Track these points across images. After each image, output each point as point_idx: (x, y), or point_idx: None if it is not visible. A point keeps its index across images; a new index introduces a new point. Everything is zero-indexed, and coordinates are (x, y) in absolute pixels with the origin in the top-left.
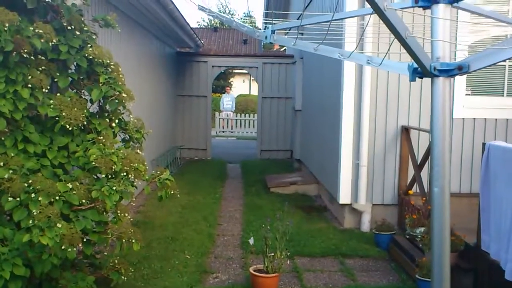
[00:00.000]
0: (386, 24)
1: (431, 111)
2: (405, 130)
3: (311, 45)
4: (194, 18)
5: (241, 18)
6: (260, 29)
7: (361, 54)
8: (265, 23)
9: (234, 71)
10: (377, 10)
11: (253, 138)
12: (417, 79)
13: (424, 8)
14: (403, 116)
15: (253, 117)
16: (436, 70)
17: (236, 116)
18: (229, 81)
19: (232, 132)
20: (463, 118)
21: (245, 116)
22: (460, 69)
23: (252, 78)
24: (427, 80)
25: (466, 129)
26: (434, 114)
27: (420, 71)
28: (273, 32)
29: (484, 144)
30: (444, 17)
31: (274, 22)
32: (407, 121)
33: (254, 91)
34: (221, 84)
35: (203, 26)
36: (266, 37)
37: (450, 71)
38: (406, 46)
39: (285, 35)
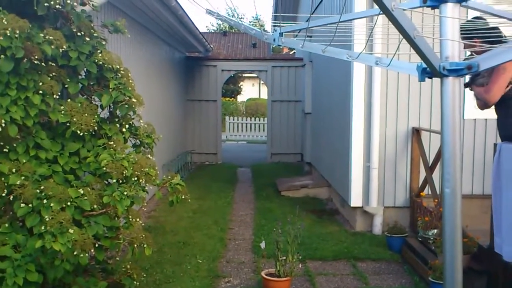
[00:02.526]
0: (394, 24)
1: (441, 112)
2: (416, 132)
3: (319, 46)
4: (203, 23)
5: (250, 22)
6: (269, 32)
7: (369, 55)
8: (274, 26)
9: (243, 75)
10: (385, 10)
11: (264, 142)
12: (427, 79)
13: (433, 7)
14: (414, 118)
15: (263, 120)
16: (446, 70)
17: (246, 120)
18: (239, 85)
19: (242, 136)
20: (475, 119)
21: (255, 120)
22: (470, 68)
23: (261, 82)
24: (437, 81)
25: (477, 130)
26: (444, 115)
27: (429, 71)
28: (281, 34)
29: (495, 145)
30: (453, 16)
31: (282, 24)
32: (417, 122)
33: (264, 94)
34: (231, 88)
35: (213, 31)
36: (274, 40)
37: (460, 71)
38: (414, 46)
39: (295, 37)
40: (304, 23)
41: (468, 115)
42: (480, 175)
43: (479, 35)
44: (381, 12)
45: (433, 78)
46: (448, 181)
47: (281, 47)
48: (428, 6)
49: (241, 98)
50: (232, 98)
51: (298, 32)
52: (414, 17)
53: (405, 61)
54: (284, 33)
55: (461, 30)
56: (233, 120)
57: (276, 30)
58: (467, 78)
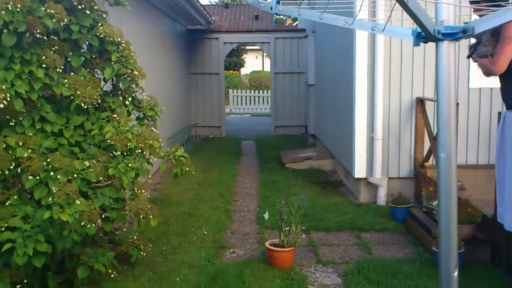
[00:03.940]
0: None
1: (436, 76)
2: (420, 102)
3: (316, 14)
4: None
5: None
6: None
7: (366, 21)
8: None
9: (246, 47)
10: None
11: (267, 114)
12: (429, 47)
13: None
14: (418, 87)
15: (267, 93)
16: (440, 34)
17: (250, 93)
18: (242, 58)
19: (245, 109)
20: (480, 88)
21: (258, 93)
22: (465, 32)
23: (265, 55)
24: None
25: (483, 99)
26: (439, 79)
27: (424, 35)
28: (278, 2)
29: (499, 113)
30: None
31: None
32: (422, 92)
33: (268, 67)
34: (234, 61)
35: (214, 3)
36: (271, 8)
37: (455, 35)
38: (408, 10)
39: (299, 6)
40: None
41: (473, 84)
42: (486, 144)
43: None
44: None
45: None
46: (443, 145)
47: (284, 18)
48: None
49: (244, 71)
50: (236, 71)
51: (302, 1)
52: None
53: (399, 26)
54: (281, 1)
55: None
56: (237, 93)
57: None
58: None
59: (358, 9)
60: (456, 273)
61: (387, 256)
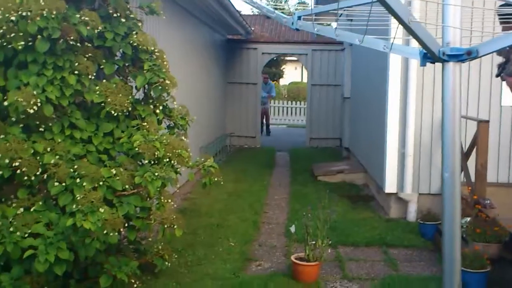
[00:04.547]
0: (387, 10)
1: (442, 97)
2: None
3: (332, 30)
4: (248, 6)
5: (295, 5)
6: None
7: (377, 39)
8: (296, 9)
9: (286, 58)
10: None
11: (303, 126)
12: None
13: None
14: None
15: (304, 105)
16: (445, 55)
17: (287, 104)
18: (281, 68)
19: (282, 120)
20: None
21: (295, 104)
22: (469, 54)
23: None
24: (475, 69)
25: None
26: (444, 99)
27: (430, 56)
28: (299, 18)
29: None
30: (455, 4)
31: (298, 8)
32: None
33: (306, 78)
34: (273, 71)
35: (257, 13)
36: (292, 23)
37: (460, 56)
38: (410, 31)
39: (336, 21)
40: (322, 7)
41: (506, 102)
42: None
43: None
44: None
45: (473, 65)
46: (447, 165)
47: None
48: None
49: (283, 81)
50: (274, 82)
51: (340, 16)
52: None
53: (408, 46)
54: (302, 17)
55: (497, 12)
56: (274, 103)
57: (294, 14)
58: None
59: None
60: None
61: (413, 273)
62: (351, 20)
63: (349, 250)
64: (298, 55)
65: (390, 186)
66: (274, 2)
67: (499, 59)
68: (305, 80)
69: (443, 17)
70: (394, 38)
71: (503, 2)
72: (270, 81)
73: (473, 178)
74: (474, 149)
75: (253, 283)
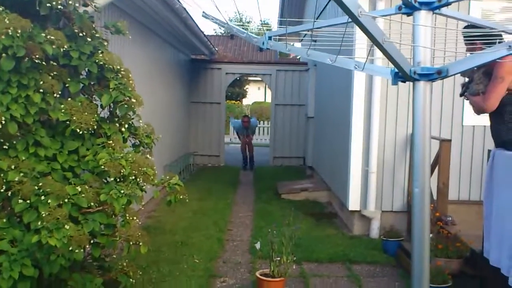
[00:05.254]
0: (362, 30)
1: (413, 115)
2: None
3: (303, 50)
4: (211, 25)
5: (257, 26)
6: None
7: (349, 59)
8: (267, 30)
9: (249, 78)
10: (352, 16)
11: (267, 145)
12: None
13: (408, 14)
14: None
15: (268, 124)
16: (416, 74)
17: None
18: (245, 88)
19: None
20: (473, 126)
21: (260, 124)
22: (440, 73)
23: (267, 86)
24: (437, 87)
25: (476, 136)
26: (415, 117)
27: (402, 75)
28: (269, 38)
29: (489, 151)
30: (426, 24)
31: (270, 29)
32: None
33: (270, 98)
34: (236, 91)
35: (220, 33)
36: (263, 43)
37: (430, 75)
38: (384, 51)
39: (300, 42)
40: (291, 27)
41: (467, 121)
42: (478, 181)
43: (481, 39)
44: (350, 20)
45: (435, 85)
46: (417, 181)
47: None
48: (403, 13)
49: (246, 101)
50: (238, 101)
51: (304, 37)
52: (392, 24)
53: (380, 66)
54: (273, 37)
55: (463, 34)
56: (236, 119)
57: (265, 34)
58: (460, 88)
59: (358, 51)
60: None
61: None
62: (315, 41)
63: (313, 266)
64: (262, 75)
65: (354, 203)
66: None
67: (461, 79)
68: (268, 99)
69: (414, 37)
70: (367, 58)
71: (468, 24)
72: (251, 120)
73: (435, 196)
74: (436, 168)
75: None
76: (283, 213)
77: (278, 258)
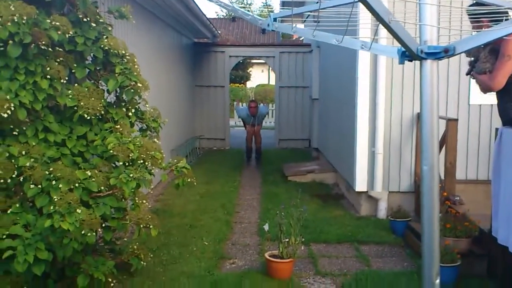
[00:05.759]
0: (368, 9)
1: (420, 93)
2: None
3: (309, 31)
4: (213, 9)
5: (259, 8)
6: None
7: (355, 39)
8: (270, 12)
9: (252, 61)
10: None
11: (272, 128)
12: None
13: None
14: (419, 103)
15: (272, 107)
16: (423, 53)
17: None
18: (248, 71)
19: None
20: (480, 105)
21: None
22: (447, 51)
23: (270, 68)
24: (443, 67)
25: (483, 115)
26: (423, 95)
27: (408, 54)
28: (274, 20)
29: (497, 129)
30: (432, 2)
31: (272, 10)
32: None
33: (273, 81)
34: (240, 74)
35: (222, 16)
36: (268, 25)
37: (437, 54)
38: (390, 30)
39: (303, 23)
40: (295, 8)
41: (474, 100)
42: (486, 160)
43: (487, 17)
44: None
45: (441, 64)
46: (426, 159)
47: (280, 32)
48: None
49: (250, 84)
50: (241, 84)
51: (307, 18)
52: (396, 3)
53: (386, 45)
54: (277, 18)
55: (468, 12)
56: (242, 106)
57: (270, 15)
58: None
59: (364, 27)
60: (438, 281)
61: (385, 268)
62: (318, 22)
63: (321, 247)
64: (265, 57)
65: (361, 184)
66: (239, 4)
67: (467, 58)
68: (272, 82)
69: (420, 16)
70: (373, 38)
71: (473, 2)
72: (260, 105)
73: (442, 176)
74: (443, 148)
75: (228, 280)
76: (290, 195)
77: (287, 240)
